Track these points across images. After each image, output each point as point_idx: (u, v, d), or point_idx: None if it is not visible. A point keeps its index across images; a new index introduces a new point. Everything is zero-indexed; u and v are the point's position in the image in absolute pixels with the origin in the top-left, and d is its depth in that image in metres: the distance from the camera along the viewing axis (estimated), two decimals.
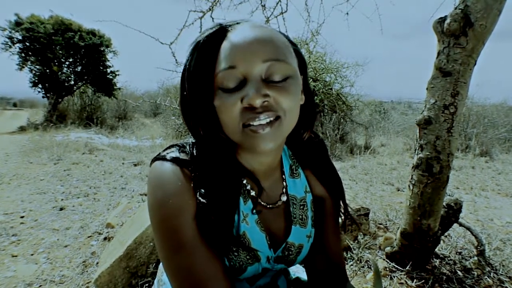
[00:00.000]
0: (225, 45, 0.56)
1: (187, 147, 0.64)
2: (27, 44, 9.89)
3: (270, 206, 0.69)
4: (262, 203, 0.68)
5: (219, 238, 0.58)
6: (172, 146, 0.65)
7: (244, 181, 0.66)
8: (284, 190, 0.72)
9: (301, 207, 0.73)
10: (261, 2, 2.81)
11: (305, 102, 0.67)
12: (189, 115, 0.62)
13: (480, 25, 1.44)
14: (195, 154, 0.62)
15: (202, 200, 0.56)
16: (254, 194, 0.67)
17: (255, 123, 0.53)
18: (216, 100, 0.56)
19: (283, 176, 0.73)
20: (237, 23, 0.59)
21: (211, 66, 0.56)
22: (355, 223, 0.77)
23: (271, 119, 0.54)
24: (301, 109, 0.66)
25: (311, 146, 0.76)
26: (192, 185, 0.58)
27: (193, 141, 0.65)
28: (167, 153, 0.61)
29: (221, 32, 0.58)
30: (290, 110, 0.56)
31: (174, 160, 0.59)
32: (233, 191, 0.62)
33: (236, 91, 0.54)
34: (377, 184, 4.04)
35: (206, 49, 0.57)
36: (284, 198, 0.71)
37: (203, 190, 0.57)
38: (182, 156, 0.61)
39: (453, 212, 1.78)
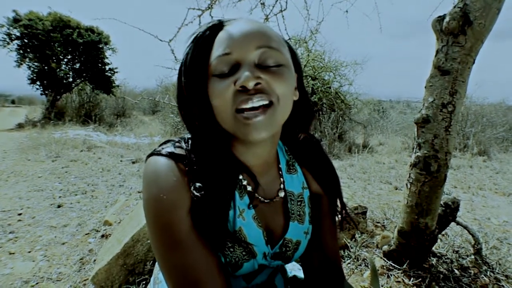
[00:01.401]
0: (220, 36, 0.58)
1: (183, 142, 0.63)
2: (26, 41, 9.82)
3: (267, 201, 0.69)
4: (259, 197, 0.68)
5: (213, 233, 0.58)
6: (167, 141, 0.65)
7: (240, 176, 0.66)
8: (281, 186, 0.71)
9: (299, 203, 0.72)
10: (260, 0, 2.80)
11: (300, 100, 0.67)
12: (186, 108, 0.62)
13: (479, 24, 1.44)
14: (190, 148, 0.62)
15: (196, 194, 0.56)
16: (250, 189, 0.66)
17: (248, 106, 0.53)
18: (210, 87, 0.57)
19: (280, 172, 0.73)
20: (234, 19, 0.61)
21: (206, 57, 0.57)
22: (352, 222, 0.77)
23: (265, 102, 0.54)
24: (296, 108, 0.66)
25: (307, 145, 0.76)
26: (187, 180, 0.58)
27: (189, 136, 0.65)
28: (162, 148, 0.61)
29: (218, 26, 0.60)
30: (283, 96, 0.56)
31: (169, 155, 0.59)
32: (228, 185, 0.61)
33: (230, 75, 0.55)
34: (375, 182, 4.05)
35: (202, 41, 0.58)
36: (282, 194, 0.71)
37: (198, 184, 0.57)
38: (178, 151, 0.61)
39: (451, 211, 1.78)
